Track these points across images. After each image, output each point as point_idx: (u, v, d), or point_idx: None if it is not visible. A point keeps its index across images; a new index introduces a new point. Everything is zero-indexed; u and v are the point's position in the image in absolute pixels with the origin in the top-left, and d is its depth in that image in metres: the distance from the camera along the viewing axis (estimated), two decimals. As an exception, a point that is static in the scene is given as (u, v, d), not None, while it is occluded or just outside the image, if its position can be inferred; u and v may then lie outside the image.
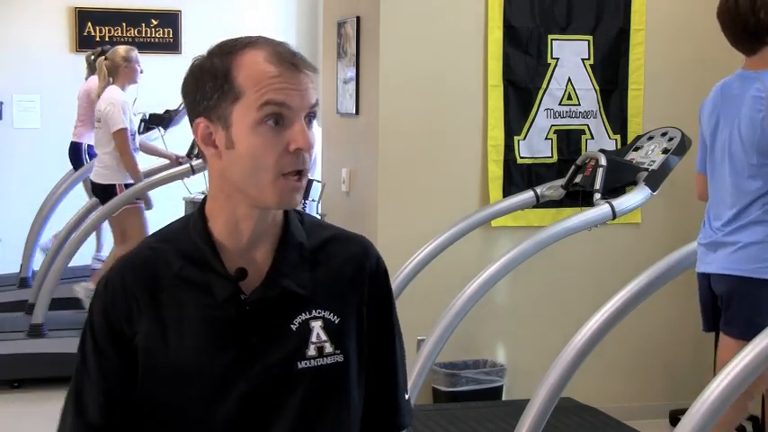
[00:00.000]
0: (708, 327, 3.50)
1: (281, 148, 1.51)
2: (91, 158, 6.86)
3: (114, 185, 6.01)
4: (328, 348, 1.58)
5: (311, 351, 1.57)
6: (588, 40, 4.92)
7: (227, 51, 1.54)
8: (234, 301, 1.55)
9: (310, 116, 1.54)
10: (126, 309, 1.55)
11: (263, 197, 1.53)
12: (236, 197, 1.55)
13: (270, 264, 1.58)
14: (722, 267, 3.27)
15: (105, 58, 6.11)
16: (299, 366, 1.56)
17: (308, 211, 6.60)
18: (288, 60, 1.53)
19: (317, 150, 6.70)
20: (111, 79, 6.06)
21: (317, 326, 1.58)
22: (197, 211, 1.61)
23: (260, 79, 1.51)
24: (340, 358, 1.59)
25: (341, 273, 1.64)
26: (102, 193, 6.08)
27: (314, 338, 1.58)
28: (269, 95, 1.50)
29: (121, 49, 6.15)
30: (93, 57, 7.02)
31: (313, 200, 6.29)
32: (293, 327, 1.57)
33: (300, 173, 1.53)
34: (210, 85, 1.53)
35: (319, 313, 1.59)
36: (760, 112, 3.14)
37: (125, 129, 5.87)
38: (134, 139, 6.07)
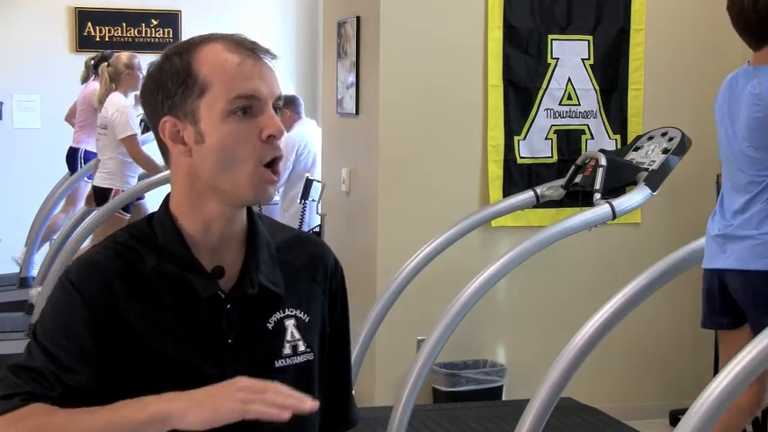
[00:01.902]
0: (709, 323, 3.50)
1: (254, 137, 1.50)
2: (86, 163, 6.85)
3: (111, 189, 6.02)
4: (301, 347, 1.61)
5: (287, 349, 1.60)
6: (588, 40, 4.92)
7: (185, 49, 1.54)
8: (214, 299, 1.55)
9: (276, 107, 1.54)
10: (105, 298, 1.50)
11: (238, 191, 1.52)
12: (207, 195, 1.54)
13: (241, 262, 1.58)
14: (743, 263, 3.26)
15: (108, 65, 6.11)
16: (276, 365, 1.58)
17: (307, 211, 6.61)
18: (247, 47, 1.53)
19: (317, 150, 6.71)
20: (113, 85, 6.06)
21: (290, 324, 1.61)
22: (162, 210, 1.59)
23: (224, 69, 1.51)
24: (310, 356, 1.63)
25: (305, 272, 1.66)
26: (102, 196, 6.09)
27: (288, 337, 1.60)
28: (238, 89, 1.50)
29: (124, 55, 6.15)
30: (93, 61, 7.03)
31: (313, 200, 6.29)
32: (269, 325, 1.59)
33: (275, 164, 1.53)
34: (173, 82, 1.52)
35: (291, 312, 1.61)
36: (756, 111, 3.15)
37: (134, 135, 5.90)
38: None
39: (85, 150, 6.93)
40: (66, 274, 1.54)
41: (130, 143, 5.92)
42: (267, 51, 1.55)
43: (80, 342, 1.48)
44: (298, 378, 1.60)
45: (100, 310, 1.50)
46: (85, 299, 1.50)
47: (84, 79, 7.16)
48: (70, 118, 7.19)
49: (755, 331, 3.27)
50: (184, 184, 1.56)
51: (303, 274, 1.65)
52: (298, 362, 1.60)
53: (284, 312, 1.60)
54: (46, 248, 7.01)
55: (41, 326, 1.52)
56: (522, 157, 4.86)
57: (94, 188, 6.23)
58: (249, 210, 1.62)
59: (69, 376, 1.47)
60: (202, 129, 1.51)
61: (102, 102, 6.12)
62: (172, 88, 1.52)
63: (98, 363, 1.49)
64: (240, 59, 1.51)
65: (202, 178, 1.53)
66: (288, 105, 7.13)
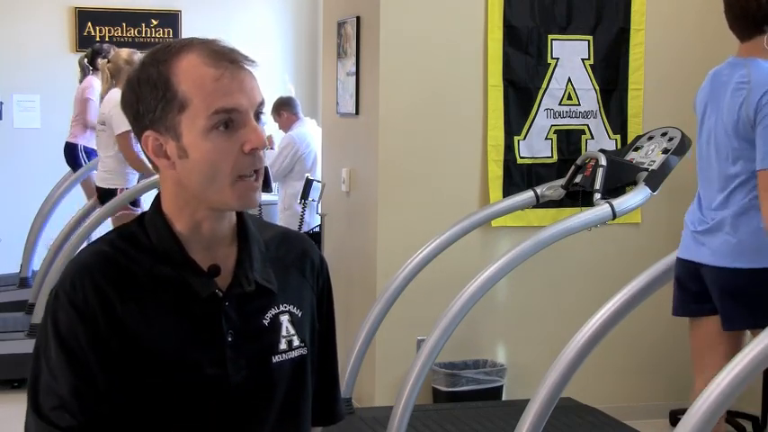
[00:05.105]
0: (681, 311, 3.51)
1: (236, 150, 1.50)
2: (89, 159, 6.86)
3: (116, 190, 6.01)
4: (296, 341, 1.63)
5: (283, 345, 1.61)
6: (588, 40, 4.92)
7: (163, 59, 1.52)
8: (212, 298, 1.56)
9: (258, 114, 1.53)
10: (101, 307, 1.50)
11: (224, 200, 1.53)
12: (194, 202, 1.55)
13: (234, 260, 1.59)
14: (719, 260, 3.27)
15: (108, 61, 6.11)
16: (274, 361, 1.59)
17: (307, 211, 6.61)
18: (226, 57, 1.51)
19: (317, 150, 6.71)
20: (113, 81, 6.06)
21: (285, 320, 1.62)
22: (153, 211, 1.59)
23: (203, 84, 1.49)
24: (304, 351, 1.64)
25: (295, 268, 1.67)
26: (107, 197, 6.08)
27: (284, 332, 1.61)
28: (218, 104, 1.48)
29: (124, 51, 6.15)
30: (85, 58, 7.05)
31: (313, 200, 6.30)
32: (265, 322, 1.60)
33: (257, 172, 1.53)
34: (152, 96, 1.51)
35: (285, 307, 1.63)
36: (740, 97, 3.16)
37: (129, 132, 5.87)
38: (137, 141, 6.07)
39: (85, 147, 6.93)
40: (60, 285, 1.54)
41: (124, 140, 5.89)
42: (246, 58, 1.54)
43: (87, 361, 1.49)
44: (293, 373, 1.62)
45: (98, 319, 1.50)
46: (81, 312, 1.50)
47: (82, 80, 7.18)
48: None
49: (726, 325, 3.29)
50: (171, 191, 1.57)
51: (293, 271, 1.67)
52: (293, 356, 1.62)
53: (279, 308, 1.62)
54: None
55: (46, 357, 1.51)
56: (522, 157, 4.86)
57: (98, 189, 6.22)
58: None
59: (87, 397, 1.49)
60: (185, 144, 1.51)
61: (102, 98, 6.12)
62: (151, 102, 1.52)
63: (105, 373, 1.50)
64: (218, 73, 1.50)
65: (188, 189, 1.54)
66: (284, 107, 7.15)
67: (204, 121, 1.49)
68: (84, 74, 7.10)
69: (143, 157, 5.91)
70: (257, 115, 1.53)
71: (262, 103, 1.54)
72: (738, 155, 3.20)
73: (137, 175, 6.11)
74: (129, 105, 1.56)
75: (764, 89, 3.11)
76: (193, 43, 1.53)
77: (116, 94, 5.99)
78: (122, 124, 5.87)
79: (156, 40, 8.43)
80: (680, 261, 3.44)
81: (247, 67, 1.53)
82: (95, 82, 6.82)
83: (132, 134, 5.90)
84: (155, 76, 1.51)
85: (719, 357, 3.33)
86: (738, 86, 3.18)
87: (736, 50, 3.33)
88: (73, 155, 7.10)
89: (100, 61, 6.33)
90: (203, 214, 1.56)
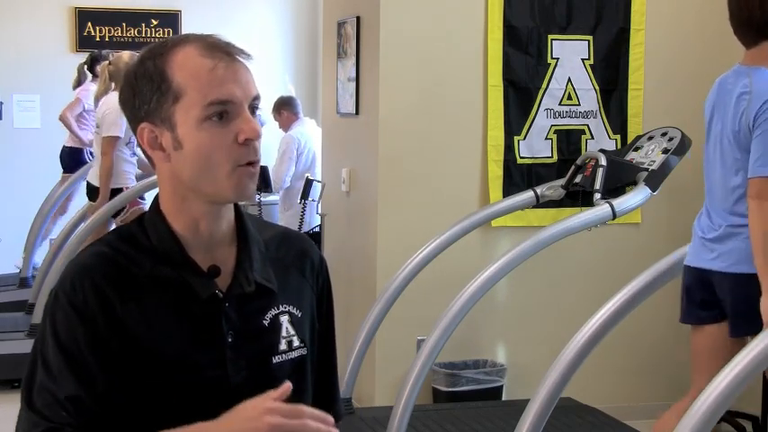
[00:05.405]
0: (688, 318, 3.50)
1: (230, 141, 1.50)
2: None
3: (121, 189, 5.99)
4: (296, 342, 1.63)
5: (283, 345, 1.61)
6: (588, 40, 4.92)
7: (159, 53, 1.54)
8: (212, 299, 1.56)
9: (253, 107, 1.54)
10: (101, 308, 1.50)
11: (220, 191, 1.53)
12: (191, 197, 1.55)
13: (233, 260, 1.59)
14: (729, 266, 3.26)
15: (109, 63, 6.11)
16: (274, 361, 1.59)
17: (307, 211, 6.62)
18: (222, 50, 1.52)
19: (317, 150, 6.72)
20: (112, 84, 6.05)
21: (285, 320, 1.62)
22: (152, 211, 1.59)
23: (198, 75, 1.50)
24: (304, 351, 1.64)
25: (295, 268, 1.67)
26: (97, 194, 6.07)
27: (284, 333, 1.61)
28: (212, 95, 1.49)
29: (126, 55, 6.15)
30: (85, 65, 7.07)
31: (313, 200, 6.30)
32: (265, 322, 1.60)
33: (253, 163, 1.53)
34: (148, 88, 1.52)
35: (285, 308, 1.62)
36: (742, 107, 3.16)
37: (116, 138, 5.85)
38: (134, 145, 6.06)
39: (90, 151, 6.95)
40: (60, 285, 1.53)
41: (108, 144, 5.86)
42: (242, 51, 1.54)
43: (87, 362, 1.49)
44: (293, 373, 1.61)
45: (98, 320, 1.50)
46: (81, 313, 1.50)
47: (77, 84, 7.19)
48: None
49: (733, 332, 3.28)
50: (168, 186, 1.57)
51: (293, 271, 1.67)
52: (293, 357, 1.62)
53: (278, 309, 1.62)
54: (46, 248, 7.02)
55: (44, 357, 1.51)
56: (522, 157, 4.86)
57: (90, 186, 6.20)
58: (237, 208, 1.63)
59: (86, 397, 1.48)
60: (179, 135, 1.51)
61: (98, 99, 6.12)
62: (147, 93, 1.52)
63: (105, 374, 1.49)
64: (213, 64, 1.50)
65: (184, 181, 1.54)
66: (284, 106, 7.17)
67: (199, 111, 1.50)
68: (79, 79, 7.12)
69: (120, 168, 5.91)
70: (252, 109, 1.53)
71: (257, 97, 1.54)
72: (740, 166, 3.19)
73: (134, 173, 6.09)
74: (126, 100, 1.57)
75: (764, 99, 3.11)
76: (189, 38, 1.55)
77: (112, 97, 5.99)
78: (111, 129, 5.87)
79: (156, 40, 8.40)
80: (688, 269, 3.42)
81: (242, 60, 1.54)
82: (92, 87, 6.83)
83: (118, 141, 5.82)
84: (151, 69, 1.53)
85: (722, 364, 3.33)
86: (741, 96, 3.18)
87: (740, 55, 3.32)
88: (76, 157, 7.10)
89: (102, 64, 6.34)
90: (201, 211, 1.56)
